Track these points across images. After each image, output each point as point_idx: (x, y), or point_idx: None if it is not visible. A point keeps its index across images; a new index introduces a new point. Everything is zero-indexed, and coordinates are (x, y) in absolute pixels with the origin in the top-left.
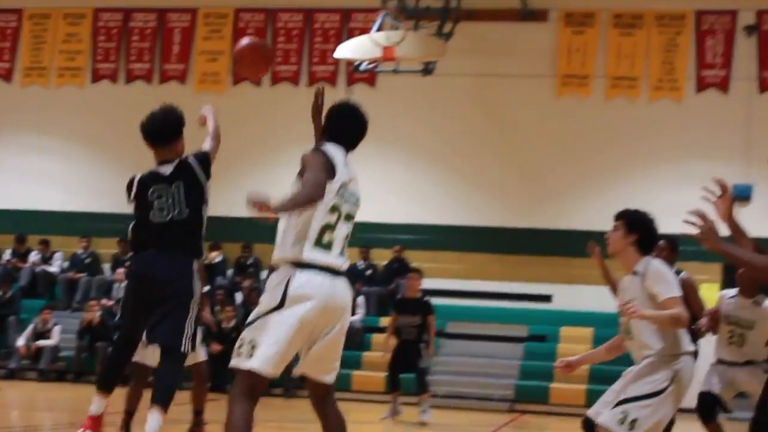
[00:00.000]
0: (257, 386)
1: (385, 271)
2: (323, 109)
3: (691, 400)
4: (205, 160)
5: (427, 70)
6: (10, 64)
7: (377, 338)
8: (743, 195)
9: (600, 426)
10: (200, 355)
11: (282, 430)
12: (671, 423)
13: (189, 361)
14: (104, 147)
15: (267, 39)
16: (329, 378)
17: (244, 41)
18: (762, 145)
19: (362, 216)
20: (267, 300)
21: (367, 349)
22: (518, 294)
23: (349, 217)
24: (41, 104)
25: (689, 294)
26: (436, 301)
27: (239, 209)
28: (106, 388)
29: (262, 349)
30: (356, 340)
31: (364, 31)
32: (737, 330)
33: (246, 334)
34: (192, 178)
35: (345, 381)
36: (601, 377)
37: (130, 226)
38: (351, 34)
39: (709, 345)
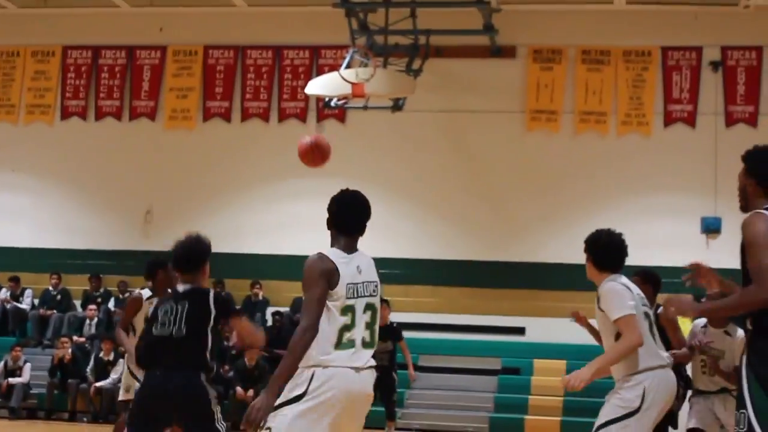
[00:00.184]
0: None
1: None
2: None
3: None
4: (223, 302)
5: (397, 106)
6: None
7: None
8: (712, 228)
9: None
10: None
11: None
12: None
13: None
14: (74, 183)
15: (236, 75)
16: None
17: (307, 140)
18: (729, 177)
19: None
20: (286, 392)
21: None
22: (491, 327)
23: (369, 307)
24: (10, 141)
25: (668, 329)
26: (409, 334)
27: (211, 245)
28: None
29: None
30: None
31: (334, 67)
32: (708, 360)
33: (269, 423)
34: (202, 304)
35: None
36: (576, 409)
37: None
38: (320, 71)
39: None
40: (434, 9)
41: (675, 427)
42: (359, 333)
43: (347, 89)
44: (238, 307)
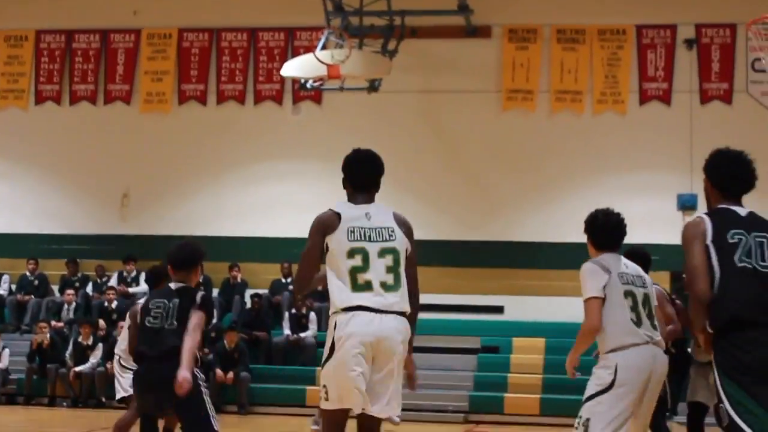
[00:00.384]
0: (337, 420)
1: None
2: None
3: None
4: (209, 304)
5: (373, 87)
6: None
7: None
8: (688, 204)
9: None
10: None
11: None
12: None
13: None
14: (50, 168)
15: (211, 58)
16: (377, 411)
17: None
18: (704, 154)
19: None
20: (325, 349)
21: (320, 364)
22: (470, 306)
23: (387, 251)
24: None
25: (660, 304)
26: None
27: (188, 227)
28: None
29: (329, 393)
30: (310, 356)
31: (309, 49)
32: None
33: (322, 381)
34: (191, 302)
35: (299, 396)
36: (555, 386)
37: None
38: (296, 53)
39: None
40: None
41: (673, 413)
42: (377, 275)
43: (323, 71)
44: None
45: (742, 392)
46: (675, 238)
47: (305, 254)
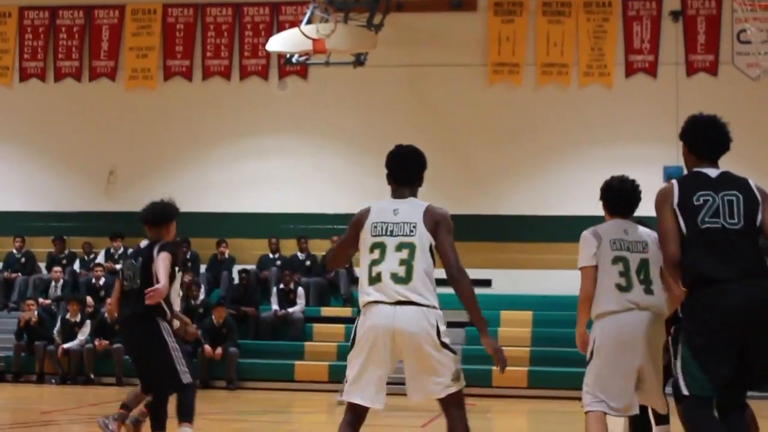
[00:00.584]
0: (353, 411)
1: (325, 262)
2: None
3: None
4: (162, 247)
5: (359, 61)
6: None
7: (318, 328)
8: (674, 176)
9: None
10: None
11: (225, 421)
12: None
13: None
14: (35, 146)
15: (196, 34)
16: (434, 394)
17: None
18: None
19: (299, 207)
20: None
21: (309, 339)
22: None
23: (405, 245)
24: None
25: None
26: None
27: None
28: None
29: (346, 385)
30: (298, 331)
31: (294, 24)
32: None
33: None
34: (151, 256)
35: (288, 371)
36: (543, 359)
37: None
38: (281, 28)
39: None
40: None
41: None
42: (389, 267)
43: (308, 45)
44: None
45: (691, 356)
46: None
47: (338, 245)
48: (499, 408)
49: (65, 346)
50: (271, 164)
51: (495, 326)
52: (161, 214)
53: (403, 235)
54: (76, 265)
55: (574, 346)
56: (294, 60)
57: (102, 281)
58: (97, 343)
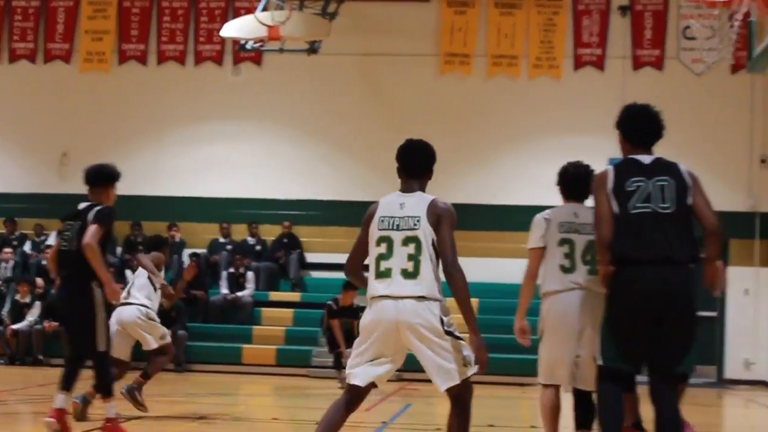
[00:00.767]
0: (351, 391)
1: (275, 247)
2: None
3: None
4: (98, 212)
5: (313, 49)
6: None
7: (267, 312)
8: None
9: None
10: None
11: (173, 403)
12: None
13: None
14: None
15: (152, 18)
16: (440, 385)
17: None
18: None
19: (251, 192)
20: None
21: (257, 323)
22: None
23: (411, 239)
24: None
25: None
26: (325, 275)
27: (128, 187)
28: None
29: (348, 369)
30: (246, 315)
31: (250, 10)
32: None
33: None
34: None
35: (236, 355)
36: (488, 345)
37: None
38: (237, 14)
39: None
40: None
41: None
42: (398, 263)
43: (263, 32)
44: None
45: (608, 330)
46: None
47: (356, 242)
48: (443, 393)
49: (14, 327)
50: (223, 149)
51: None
52: (101, 174)
53: (408, 229)
54: (27, 247)
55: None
56: (248, 46)
57: None
58: (46, 324)
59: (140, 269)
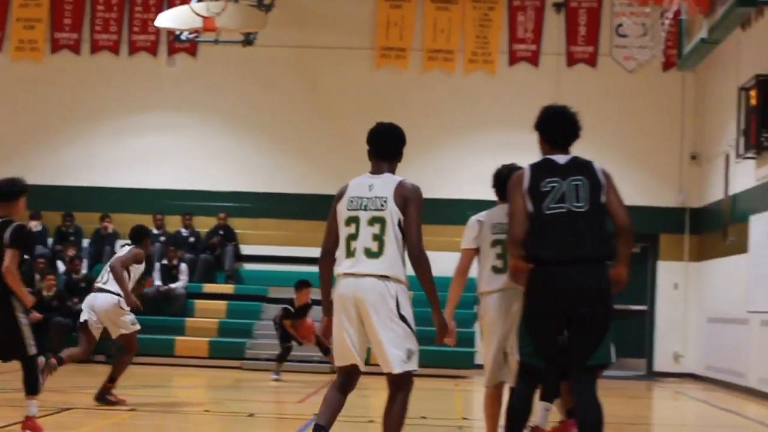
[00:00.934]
0: (342, 374)
1: (209, 239)
2: None
3: None
4: (16, 232)
5: (248, 40)
6: None
7: (200, 304)
8: None
9: None
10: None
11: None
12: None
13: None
14: None
15: (86, 7)
16: (391, 367)
17: None
18: None
19: (185, 184)
20: None
21: (190, 315)
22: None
23: (376, 219)
24: None
25: None
26: (258, 267)
27: (60, 177)
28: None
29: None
30: (179, 307)
31: (185, 1)
32: None
33: None
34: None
35: (168, 347)
36: (420, 339)
37: None
38: (172, 4)
39: None
40: None
41: None
42: (363, 242)
43: (198, 23)
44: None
45: (525, 327)
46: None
47: (327, 223)
48: (374, 384)
49: None
50: (158, 140)
51: None
52: (10, 189)
53: (374, 210)
54: None
55: None
56: (183, 37)
57: None
58: None
59: (118, 255)
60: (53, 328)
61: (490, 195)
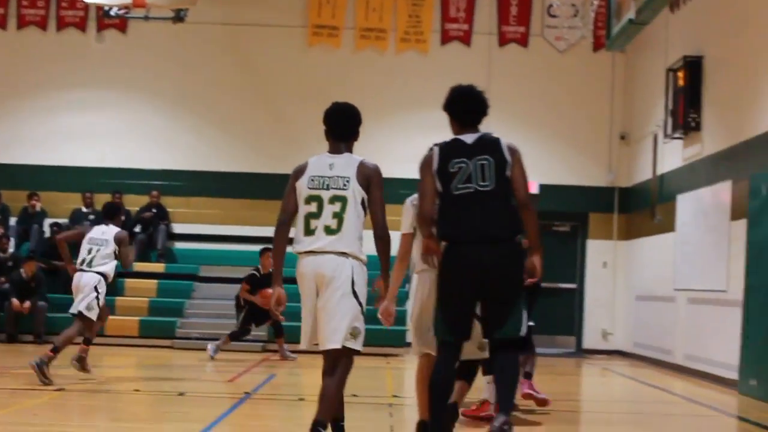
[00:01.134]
0: (325, 358)
1: (141, 214)
2: None
3: None
4: None
5: (179, 17)
6: None
7: (130, 284)
8: None
9: None
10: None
11: (33, 375)
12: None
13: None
14: None
15: None
16: (330, 341)
17: None
18: (501, 95)
19: (115, 162)
20: None
21: (120, 294)
22: (270, 238)
23: (337, 198)
24: None
25: None
26: (190, 245)
27: None
28: None
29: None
30: (108, 286)
31: None
32: None
33: None
34: None
35: None
36: None
37: None
38: None
39: None
40: None
41: None
42: (323, 221)
43: None
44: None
45: (438, 306)
46: None
47: (284, 195)
48: (306, 362)
49: None
50: (87, 118)
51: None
52: None
53: (336, 189)
54: None
55: None
56: (113, 13)
57: None
58: None
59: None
60: None
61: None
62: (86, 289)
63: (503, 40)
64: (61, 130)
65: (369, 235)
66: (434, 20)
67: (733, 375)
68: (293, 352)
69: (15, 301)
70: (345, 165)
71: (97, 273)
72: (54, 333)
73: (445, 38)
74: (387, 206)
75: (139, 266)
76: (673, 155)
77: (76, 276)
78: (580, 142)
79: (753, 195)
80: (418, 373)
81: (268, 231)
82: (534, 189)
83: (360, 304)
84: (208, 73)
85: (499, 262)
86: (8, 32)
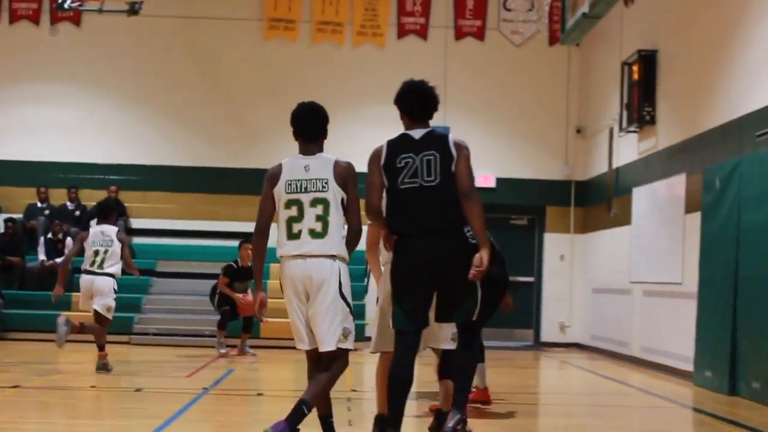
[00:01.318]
0: (309, 359)
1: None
2: None
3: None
4: None
5: (133, 10)
6: None
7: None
8: None
9: None
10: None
11: None
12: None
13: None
14: None
15: None
16: (325, 343)
17: None
18: (457, 88)
19: (70, 156)
20: None
21: (76, 290)
22: (228, 232)
23: (318, 201)
24: None
25: None
26: (146, 240)
27: None
28: None
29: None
30: (68, 282)
31: None
32: None
33: None
34: None
35: (53, 322)
36: None
37: None
38: None
39: None
40: None
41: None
42: (307, 224)
43: None
44: None
45: (394, 296)
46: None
47: (261, 201)
48: (267, 356)
49: None
50: (41, 111)
51: (266, 278)
52: None
53: (315, 191)
54: None
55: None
56: (66, 5)
57: None
58: None
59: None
60: None
61: None
62: (105, 291)
63: (459, 34)
64: (15, 124)
65: None
66: (391, 14)
67: (689, 367)
68: (251, 347)
69: None
70: (321, 166)
71: (111, 276)
72: (10, 329)
73: (402, 32)
74: None
75: None
76: (629, 149)
77: (87, 278)
78: (537, 136)
79: (707, 188)
80: (380, 369)
81: (225, 225)
82: (491, 182)
83: (348, 304)
84: (164, 67)
85: (444, 251)
86: None
